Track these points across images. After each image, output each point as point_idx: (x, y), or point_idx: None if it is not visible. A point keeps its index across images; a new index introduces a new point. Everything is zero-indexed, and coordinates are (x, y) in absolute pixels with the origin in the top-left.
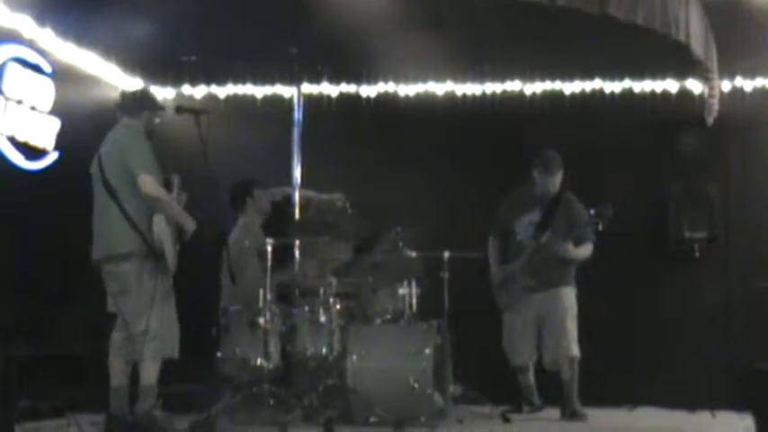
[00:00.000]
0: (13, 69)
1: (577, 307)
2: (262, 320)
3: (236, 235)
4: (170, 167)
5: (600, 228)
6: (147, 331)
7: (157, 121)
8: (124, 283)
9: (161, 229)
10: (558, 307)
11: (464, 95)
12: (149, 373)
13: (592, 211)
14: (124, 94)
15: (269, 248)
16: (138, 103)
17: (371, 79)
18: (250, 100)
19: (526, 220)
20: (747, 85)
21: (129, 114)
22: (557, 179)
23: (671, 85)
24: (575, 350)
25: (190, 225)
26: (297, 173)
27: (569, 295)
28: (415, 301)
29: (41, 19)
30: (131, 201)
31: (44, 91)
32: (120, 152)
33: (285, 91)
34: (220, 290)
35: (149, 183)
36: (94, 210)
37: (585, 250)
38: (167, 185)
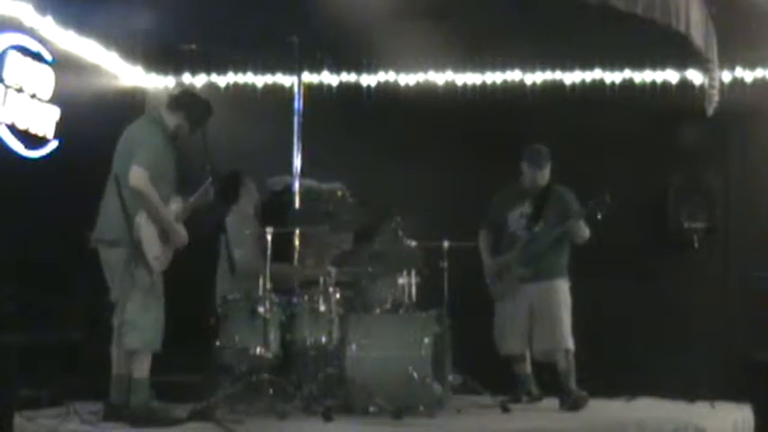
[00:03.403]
0: (14, 57)
1: (576, 297)
2: (261, 309)
3: (233, 221)
4: (208, 166)
5: (599, 216)
6: (126, 321)
7: (186, 132)
8: (112, 269)
9: (143, 222)
10: (552, 299)
11: (464, 85)
12: (139, 365)
13: (590, 202)
14: (183, 91)
15: (269, 237)
16: (185, 105)
17: (372, 68)
18: (250, 89)
19: (518, 212)
20: (747, 75)
21: (171, 108)
22: (545, 172)
23: (671, 76)
24: (569, 342)
25: (178, 239)
26: (297, 162)
27: (563, 287)
28: (414, 290)
29: (42, 7)
30: (128, 189)
31: (44, 79)
32: (132, 141)
33: (285, 80)
34: (219, 278)
35: (138, 176)
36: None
37: (587, 231)
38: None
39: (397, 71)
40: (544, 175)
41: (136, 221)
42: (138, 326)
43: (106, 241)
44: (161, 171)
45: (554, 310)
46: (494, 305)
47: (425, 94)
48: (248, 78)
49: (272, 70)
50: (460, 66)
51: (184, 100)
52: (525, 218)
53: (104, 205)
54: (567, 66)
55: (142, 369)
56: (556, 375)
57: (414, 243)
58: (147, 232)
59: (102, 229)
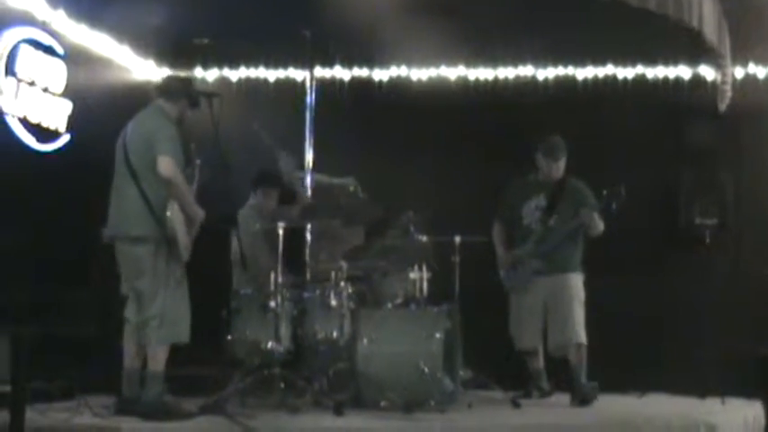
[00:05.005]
0: (26, 51)
1: (587, 293)
2: (273, 304)
3: (245, 213)
4: (193, 151)
5: (614, 208)
6: (155, 316)
7: (189, 113)
8: (139, 265)
9: (174, 215)
10: (565, 293)
11: (476, 80)
12: (156, 359)
13: (604, 192)
14: (167, 79)
15: (280, 232)
16: (180, 91)
17: (384, 63)
18: (262, 83)
19: (533, 205)
20: (760, 71)
21: (166, 98)
22: (561, 164)
23: (683, 72)
24: (581, 336)
25: (198, 216)
26: (309, 157)
27: (576, 281)
28: (425, 285)
29: (54, 1)
30: (152, 184)
31: (56, 73)
32: (148, 134)
33: (297, 74)
34: (231, 272)
35: (169, 164)
36: (113, 187)
37: (601, 224)
38: (190, 167)
39: (409, 66)
40: (559, 168)
41: (168, 217)
42: (170, 319)
43: (130, 238)
44: (178, 159)
45: (567, 304)
46: (507, 299)
47: (437, 88)
48: (260, 73)
49: (284, 65)
50: (472, 61)
51: (177, 87)
52: (540, 210)
53: (120, 200)
54: (579, 61)
55: (159, 362)
56: (567, 370)
57: (425, 238)
58: (179, 224)
59: (123, 225)
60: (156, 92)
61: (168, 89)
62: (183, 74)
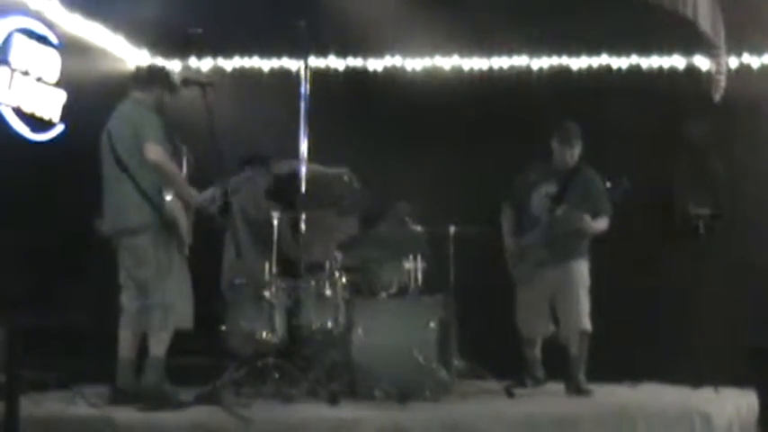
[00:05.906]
0: (20, 40)
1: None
2: (267, 294)
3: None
4: (177, 138)
5: (616, 201)
6: (159, 303)
7: (167, 99)
8: (141, 255)
9: (172, 200)
10: (571, 280)
11: (471, 70)
12: (159, 345)
13: (608, 185)
14: (138, 69)
15: (275, 222)
16: (151, 79)
17: (378, 53)
18: (257, 73)
19: (543, 192)
20: (754, 61)
21: (141, 89)
22: (575, 151)
23: (678, 62)
24: (586, 323)
25: (191, 198)
26: (303, 146)
27: (582, 269)
28: (420, 275)
29: None
30: (143, 174)
31: (51, 62)
32: (132, 126)
33: (292, 64)
34: (224, 262)
35: (156, 150)
36: (104, 183)
37: (602, 224)
38: (176, 155)
39: (404, 56)
40: (574, 154)
41: (167, 203)
42: (176, 306)
43: (129, 229)
44: (164, 146)
45: (573, 293)
46: (501, 290)
47: (432, 78)
48: (254, 62)
49: (279, 54)
50: (467, 50)
51: (148, 76)
52: (549, 198)
53: (114, 194)
54: (573, 51)
55: (161, 348)
56: (566, 359)
57: (420, 228)
58: (177, 208)
59: (121, 218)
60: (130, 84)
61: (140, 80)
62: (155, 62)
